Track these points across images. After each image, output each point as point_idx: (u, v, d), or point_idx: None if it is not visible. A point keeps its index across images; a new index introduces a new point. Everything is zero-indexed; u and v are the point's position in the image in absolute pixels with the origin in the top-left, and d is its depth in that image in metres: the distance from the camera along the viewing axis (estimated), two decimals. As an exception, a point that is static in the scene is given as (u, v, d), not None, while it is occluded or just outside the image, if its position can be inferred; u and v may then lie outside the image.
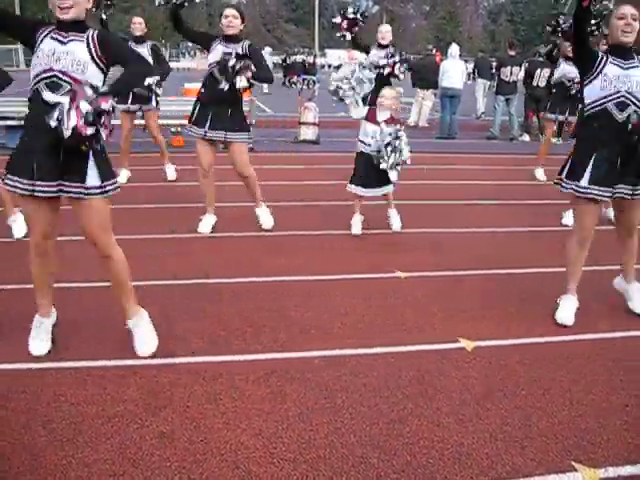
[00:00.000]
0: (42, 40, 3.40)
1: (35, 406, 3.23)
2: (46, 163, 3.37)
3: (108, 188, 3.54)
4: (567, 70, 8.55)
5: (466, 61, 17.41)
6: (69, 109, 3.14)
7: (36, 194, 3.42)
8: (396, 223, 6.59)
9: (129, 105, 8.21)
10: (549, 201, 8.22)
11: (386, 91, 6.36)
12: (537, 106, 14.14)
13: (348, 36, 7.95)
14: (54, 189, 3.42)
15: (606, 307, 4.72)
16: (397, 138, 5.95)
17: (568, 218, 6.91)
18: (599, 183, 4.17)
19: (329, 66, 57.40)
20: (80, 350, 3.82)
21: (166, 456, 2.86)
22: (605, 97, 4.14)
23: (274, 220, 6.51)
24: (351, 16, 7.84)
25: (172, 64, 31.76)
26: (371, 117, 6.28)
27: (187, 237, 6.09)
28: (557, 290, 4.98)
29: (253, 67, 5.73)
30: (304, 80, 17.11)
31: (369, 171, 6.23)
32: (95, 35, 3.45)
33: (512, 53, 14.42)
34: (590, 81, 4.18)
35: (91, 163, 3.44)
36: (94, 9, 3.58)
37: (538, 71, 13.75)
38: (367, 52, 8.44)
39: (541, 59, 14.11)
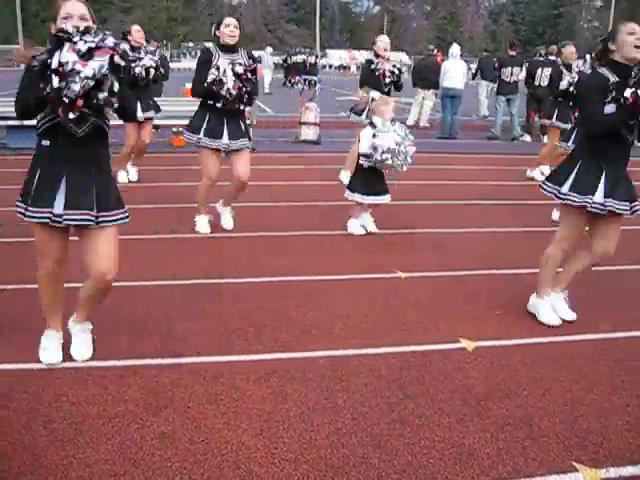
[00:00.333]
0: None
1: (36, 406, 3.23)
2: (82, 192, 3.35)
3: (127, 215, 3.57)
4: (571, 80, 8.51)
5: (467, 61, 17.34)
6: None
7: (69, 224, 3.37)
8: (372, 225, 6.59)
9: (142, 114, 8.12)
10: (550, 201, 8.21)
11: (384, 99, 6.53)
12: (539, 106, 14.14)
13: None
14: (91, 217, 3.38)
15: (608, 307, 4.71)
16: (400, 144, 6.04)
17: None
18: (580, 191, 4.13)
19: (330, 66, 57.53)
20: (81, 350, 3.82)
21: (167, 456, 2.86)
22: None
23: (274, 219, 6.51)
24: None
25: (173, 64, 31.74)
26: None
27: (187, 237, 6.09)
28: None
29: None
30: (305, 80, 17.14)
31: (371, 179, 6.33)
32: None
33: (513, 53, 14.41)
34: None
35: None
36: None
37: (539, 71, 13.73)
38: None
39: (541, 59, 14.11)
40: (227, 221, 6.46)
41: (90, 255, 3.47)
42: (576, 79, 7.56)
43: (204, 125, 5.95)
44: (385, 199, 6.42)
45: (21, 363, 3.66)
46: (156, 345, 3.92)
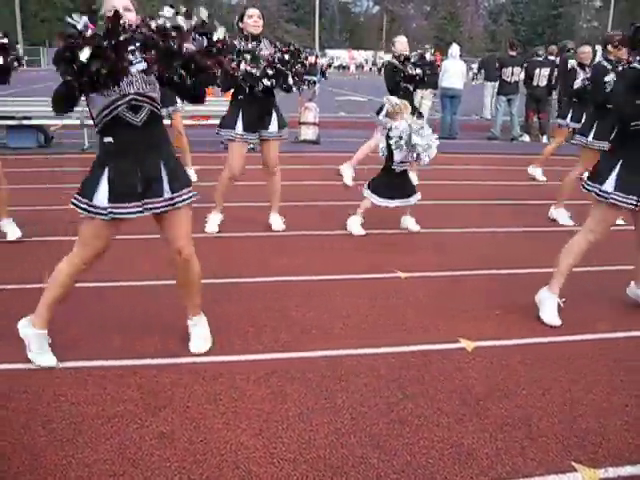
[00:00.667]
0: None
1: (35, 406, 3.23)
2: (156, 180, 3.45)
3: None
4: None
5: (466, 61, 17.33)
6: None
7: (154, 212, 3.50)
8: (413, 224, 6.65)
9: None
10: (550, 201, 8.22)
11: (403, 103, 6.56)
12: (538, 106, 14.16)
13: None
14: (167, 203, 3.51)
15: (607, 307, 4.72)
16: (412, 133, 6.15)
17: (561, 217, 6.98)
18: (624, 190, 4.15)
19: (330, 66, 57.50)
20: (80, 350, 3.82)
21: (166, 456, 2.86)
22: None
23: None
24: None
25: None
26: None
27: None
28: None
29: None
30: (304, 80, 17.08)
31: (396, 183, 6.39)
32: (148, 55, 3.32)
33: (513, 53, 14.41)
34: None
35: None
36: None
37: (537, 71, 13.76)
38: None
39: (540, 59, 14.12)
40: (274, 221, 6.57)
41: (168, 235, 3.64)
42: (590, 74, 7.51)
43: (239, 120, 6.06)
44: (413, 200, 6.47)
45: (20, 363, 3.66)
46: (156, 345, 3.92)
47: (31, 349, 3.70)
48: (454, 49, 14.60)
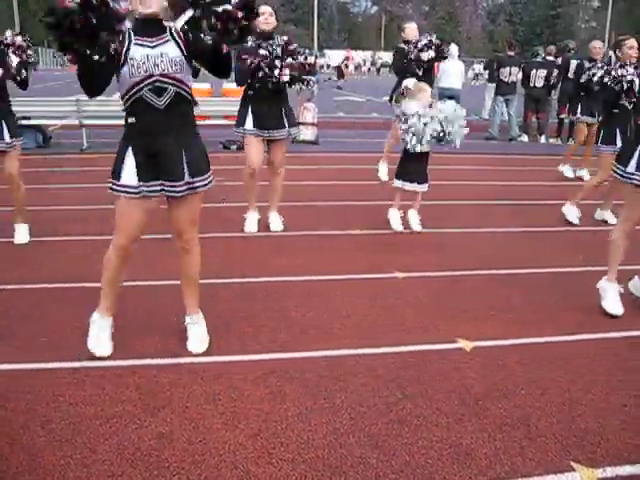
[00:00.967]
0: (127, 51, 3.35)
1: (34, 406, 3.23)
2: (174, 164, 3.49)
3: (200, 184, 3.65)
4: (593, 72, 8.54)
5: (464, 61, 17.32)
6: None
7: (173, 195, 3.56)
8: (417, 225, 6.65)
9: None
10: (549, 201, 8.23)
11: (422, 85, 6.58)
12: (536, 106, 14.17)
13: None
14: (185, 187, 3.55)
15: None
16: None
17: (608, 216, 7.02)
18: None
19: (328, 66, 57.52)
20: (79, 350, 3.82)
21: (165, 457, 2.86)
22: None
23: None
24: None
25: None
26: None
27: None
28: (555, 290, 5.00)
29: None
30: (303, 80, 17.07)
31: (414, 167, 6.45)
32: (180, 33, 3.42)
33: (511, 53, 14.43)
34: None
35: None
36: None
37: (534, 71, 13.79)
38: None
39: (538, 59, 14.14)
40: (273, 221, 6.58)
41: (173, 217, 3.72)
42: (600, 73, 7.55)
43: (248, 117, 6.15)
44: (422, 188, 6.52)
45: (20, 363, 3.66)
46: (155, 345, 3.92)
47: (89, 334, 3.77)
48: (452, 49, 14.60)
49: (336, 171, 9.98)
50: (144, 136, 3.47)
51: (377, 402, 3.36)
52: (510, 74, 14.02)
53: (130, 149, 3.50)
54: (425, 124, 6.10)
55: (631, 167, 4.37)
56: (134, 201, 3.53)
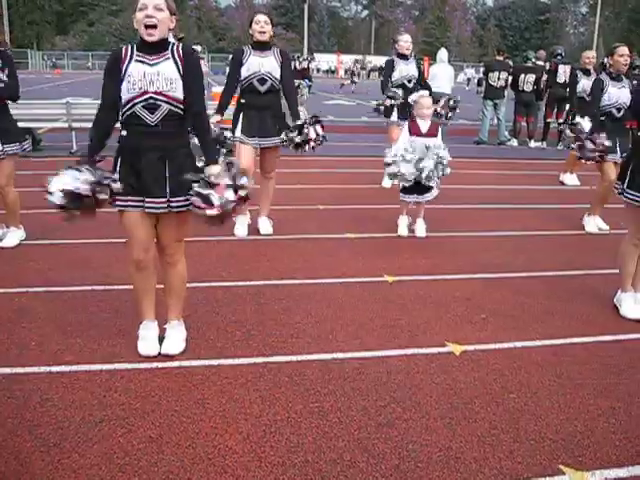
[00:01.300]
0: (127, 67, 3.44)
1: (22, 411, 3.21)
2: (154, 180, 3.51)
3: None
4: (587, 85, 8.61)
5: (454, 66, 17.33)
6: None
7: (146, 210, 3.55)
8: (422, 231, 6.67)
9: None
10: (539, 205, 8.27)
11: (425, 101, 6.54)
12: (525, 111, 14.23)
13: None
14: (164, 205, 3.55)
15: (594, 311, 4.73)
16: (441, 158, 6.24)
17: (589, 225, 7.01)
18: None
19: (318, 70, 57.60)
20: (68, 354, 3.80)
21: (154, 461, 2.85)
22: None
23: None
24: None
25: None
26: (416, 131, 6.45)
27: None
28: (545, 294, 5.02)
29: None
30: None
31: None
32: (182, 53, 3.51)
33: (500, 58, 14.50)
34: None
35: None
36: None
37: (522, 76, 13.86)
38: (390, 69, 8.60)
39: (528, 64, 14.21)
40: (263, 225, 6.58)
41: (159, 235, 3.73)
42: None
43: (239, 124, 6.18)
44: (423, 198, 6.54)
45: (7, 367, 3.64)
46: (143, 349, 3.90)
47: (138, 339, 3.86)
48: (442, 54, 14.64)
49: (327, 175, 9.98)
50: (132, 151, 3.52)
51: (366, 406, 3.35)
52: (499, 79, 14.08)
53: (119, 162, 3.58)
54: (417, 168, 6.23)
55: (625, 184, 4.49)
56: (134, 215, 3.56)
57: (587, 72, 10.14)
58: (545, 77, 13.92)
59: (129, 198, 3.53)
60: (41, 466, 2.79)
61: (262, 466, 2.84)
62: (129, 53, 3.48)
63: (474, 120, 16.73)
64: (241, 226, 6.47)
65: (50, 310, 4.45)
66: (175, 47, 3.52)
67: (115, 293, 4.70)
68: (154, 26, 3.39)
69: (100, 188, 3.46)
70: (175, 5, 3.59)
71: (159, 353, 3.80)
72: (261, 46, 6.01)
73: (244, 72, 5.99)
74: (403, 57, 8.62)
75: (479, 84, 16.32)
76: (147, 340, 3.84)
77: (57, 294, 4.76)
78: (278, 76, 6.02)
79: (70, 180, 3.47)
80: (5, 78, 5.44)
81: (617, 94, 6.48)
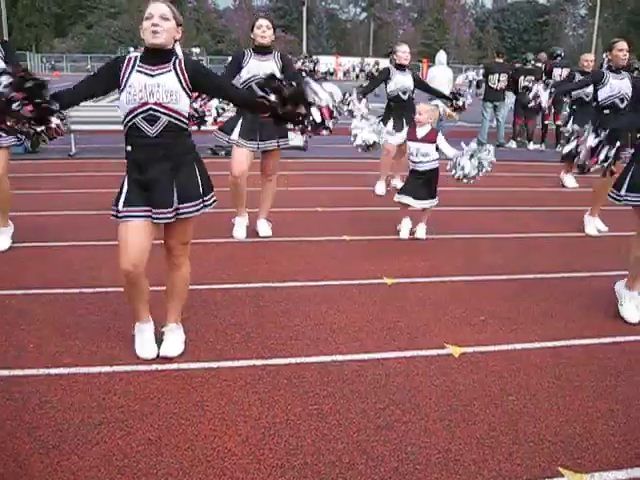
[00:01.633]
0: (128, 77, 3.47)
1: (21, 413, 3.20)
2: (162, 192, 3.53)
3: (208, 202, 3.78)
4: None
5: (452, 68, 17.34)
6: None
7: (156, 221, 3.57)
8: (421, 233, 6.67)
9: None
10: (539, 207, 8.27)
11: (421, 106, 6.60)
12: (525, 113, 14.23)
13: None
14: (172, 214, 3.58)
15: (593, 313, 4.73)
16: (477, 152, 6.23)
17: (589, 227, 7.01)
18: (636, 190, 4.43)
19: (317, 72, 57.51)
20: (67, 356, 3.80)
21: (152, 463, 2.85)
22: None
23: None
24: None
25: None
26: (412, 136, 6.52)
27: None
28: (544, 296, 5.02)
29: None
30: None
31: (417, 186, 6.50)
32: (184, 66, 3.54)
33: (499, 60, 14.51)
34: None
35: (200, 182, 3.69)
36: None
37: (521, 78, 13.86)
38: (386, 78, 8.58)
39: (527, 67, 14.22)
40: (262, 227, 6.57)
41: (166, 239, 3.77)
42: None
43: (238, 126, 6.14)
44: (417, 203, 6.53)
45: (5, 369, 3.63)
46: (142, 351, 3.90)
47: (135, 342, 3.87)
48: (441, 56, 14.64)
49: (323, 177, 9.98)
50: (138, 165, 3.54)
51: (365, 408, 3.35)
52: (498, 81, 14.08)
53: (127, 177, 3.60)
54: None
55: (624, 189, 4.47)
56: (133, 225, 3.55)
57: (586, 74, 10.15)
58: (544, 78, 13.92)
59: (135, 209, 3.54)
60: (40, 468, 2.79)
61: (261, 468, 2.84)
62: (132, 63, 3.50)
63: (473, 122, 16.73)
64: (240, 228, 6.47)
65: (48, 312, 4.44)
66: (177, 60, 3.55)
67: (113, 295, 4.70)
68: (159, 33, 3.44)
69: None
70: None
71: (158, 355, 3.80)
72: (262, 50, 6.02)
73: (244, 74, 5.99)
74: (401, 68, 8.59)
75: (478, 86, 16.31)
76: (144, 342, 3.84)
77: (55, 296, 4.75)
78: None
79: None
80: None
81: (619, 85, 6.60)
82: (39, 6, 73.02)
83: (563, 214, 7.88)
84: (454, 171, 6.15)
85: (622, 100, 6.59)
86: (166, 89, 3.46)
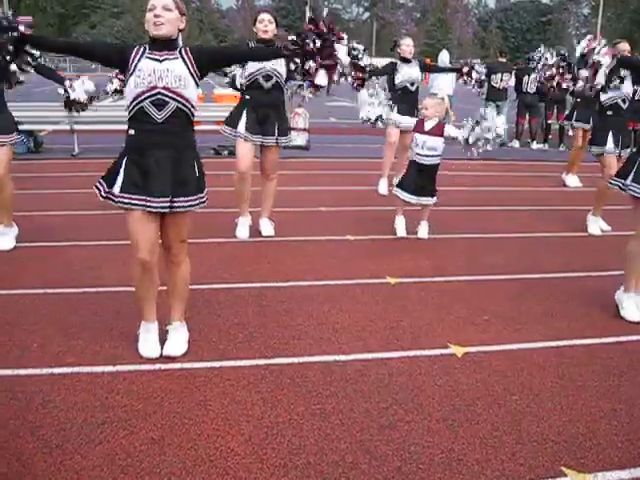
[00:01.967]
0: (137, 62, 3.51)
1: (24, 412, 3.21)
2: (160, 179, 3.52)
3: (205, 199, 3.77)
4: None
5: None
6: None
7: (151, 210, 3.54)
8: (423, 232, 6.67)
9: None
10: (543, 207, 8.26)
11: (426, 101, 6.59)
12: (529, 112, 14.22)
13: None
14: (167, 204, 3.55)
15: (595, 313, 4.73)
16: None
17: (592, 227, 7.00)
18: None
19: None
20: (70, 356, 3.81)
21: (155, 462, 2.85)
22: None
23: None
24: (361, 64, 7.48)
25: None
26: (419, 128, 6.50)
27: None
28: (547, 296, 5.01)
29: None
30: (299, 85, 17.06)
31: (418, 180, 6.45)
32: (189, 51, 3.60)
33: (502, 60, 14.49)
34: None
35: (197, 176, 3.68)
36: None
37: (526, 78, 13.84)
38: (391, 72, 8.58)
39: (531, 66, 14.19)
40: (264, 226, 6.57)
41: (163, 234, 3.74)
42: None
43: (242, 120, 6.15)
44: (413, 198, 6.51)
45: (8, 369, 3.64)
46: (145, 351, 3.90)
47: (139, 341, 3.87)
48: (444, 55, 14.64)
49: (326, 177, 9.98)
50: (139, 149, 3.54)
51: (368, 408, 3.35)
52: (501, 80, 14.06)
53: (125, 160, 3.57)
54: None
55: (629, 179, 4.47)
56: (140, 215, 3.55)
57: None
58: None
59: (131, 197, 3.53)
60: (43, 467, 2.79)
61: (264, 468, 2.84)
62: (141, 51, 3.54)
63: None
64: (242, 228, 6.47)
65: (51, 312, 4.45)
66: (184, 48, 3.60)
67: (116, 295, 4.70)
68: (162, 24, 3.47)
69: None
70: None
71: (161, 355, 3.80)
72: (265, 44, 6.01)
73: (249, 68, 6.01)
74: (406, 61, 8.62)
75: (480, 85, 16.26)
76: (148, 342, 3.84)
77: (58, 296, 4.76)
78: (283, 72, 6.04)
79: None
80: None
81: (622, 85, 6.53)
82: (42, 6, 73.14)
83: (565, 214, 7.87)
84: (466, 139, 6.26)
85: (624, 101, 6.64)
86: (175, 74, 3.49)
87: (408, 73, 8.57)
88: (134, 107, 3.51)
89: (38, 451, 2.90)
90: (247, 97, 6.15)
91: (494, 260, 5.96)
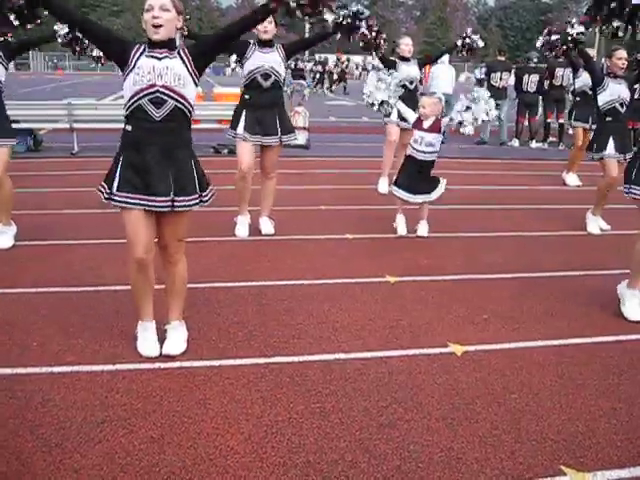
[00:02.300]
0: (137, 60, 3.50)
1: (23, 411, 3.21)
2: (159, 178, 3.51)
3: (205, 197, 3.75)
4: (588, 79, 8.64)
5: (455, 67, 17.31)
6: None
7: (152, 209, 3.55)
8: (423, 231, 6.66)
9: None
10: (543, 206, 8.26)
11: (423, 100, 6.63)
12: (528, 111, 14.23)
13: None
14: (168, 204, 3.55)
15: (595, 312, 4.73)
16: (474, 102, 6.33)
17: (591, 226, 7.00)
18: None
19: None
20: (69, 355, 3.81)
21: (155, 461, 2.85)
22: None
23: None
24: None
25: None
26: (419, 125, 6.51)
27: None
28: (546, 295, 5.02)
29: None
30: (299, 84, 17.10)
31: (413, 176, 6.44)
32: (186, 50, 3.60)
33: (502, 59, 14.50)
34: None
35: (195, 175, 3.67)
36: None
37: (526, 77, 13.85)
38: (393, 67, 8.57)
39: (531, 65, 14.20)
40: (264, 225, 6.57)
41: (160, 234, 3.73)
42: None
43: (242, 121, 6.17)
44: (410, 197, 6.50)
45: (8, 368, 3.64)
46: (145, 349, 3.90)
47: (137, 340, 3.88)
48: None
49: (326, 176, 9.98)
50: (136, 146, 3.52)
51: (368, 406, 3.35)
52: (500, 79, 14.07)
53: (122, 158, 3.56)
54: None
55: (630, 181, 4.52)
56: (136, 213, 3.55)
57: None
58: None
59: (130, 195, 3.52)
60: (42, 466, 2.79)
61: (263, 467, 2.84)
62: (141, 49, 3.53)
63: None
64: (242, 227, 6.47)
65: (51, 311, 4.45)
66: (182, 48, 3.59)
67: (115, 294, 4.70)
68: (160, 26, 3.45)
69: None
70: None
71: (160, 354, 3.80)
72: (264, 44, 6.05)
73: (248, 66, 6.02)
74: (405, 59, 8.62)
75: (480, 84, 16.29)
76: (147, 341, 3.84)
77: (57, 295, 4.76)
78: (281, 71, 6.08)
79: None
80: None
81: (618, 89, 6.63)
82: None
83: (565, 212, 7.87)
84: (458, 123, 6.36)
85: (622, 105, 6.65)
86: (174, 72, 3.49)
87: (407, 71, 8.57)
88: (132, 104, 3.50)
89: (37, 450, 2.90)
90: (246, 97, 6.16)
91: (494, 259, 5.96)
